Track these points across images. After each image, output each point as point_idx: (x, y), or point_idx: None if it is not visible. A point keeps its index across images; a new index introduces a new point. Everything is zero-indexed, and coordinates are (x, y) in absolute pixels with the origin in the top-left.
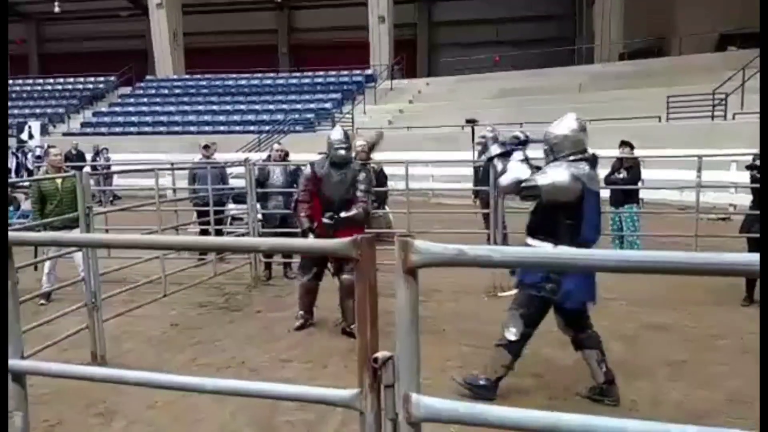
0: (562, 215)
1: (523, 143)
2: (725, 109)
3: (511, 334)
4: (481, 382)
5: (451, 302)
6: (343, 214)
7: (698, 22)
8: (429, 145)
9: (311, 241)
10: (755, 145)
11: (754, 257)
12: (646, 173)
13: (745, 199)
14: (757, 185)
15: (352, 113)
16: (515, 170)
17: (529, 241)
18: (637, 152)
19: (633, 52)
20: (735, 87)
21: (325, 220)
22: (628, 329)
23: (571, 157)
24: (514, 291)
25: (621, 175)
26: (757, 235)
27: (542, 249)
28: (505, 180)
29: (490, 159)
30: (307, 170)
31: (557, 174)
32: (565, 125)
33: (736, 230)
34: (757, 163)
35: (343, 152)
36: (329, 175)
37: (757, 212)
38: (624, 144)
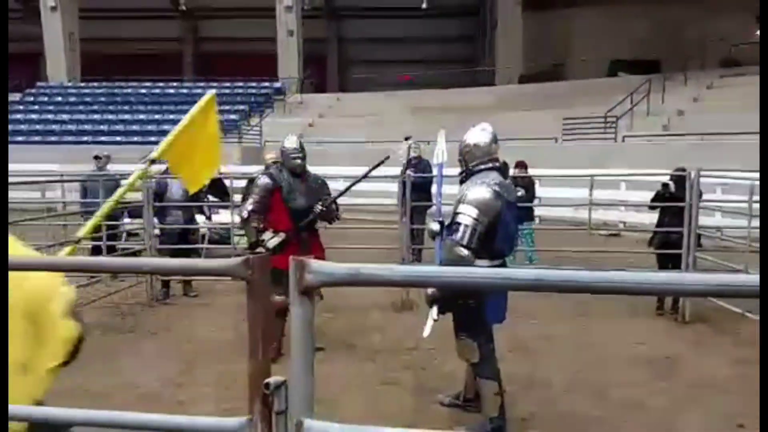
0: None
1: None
2: (616, 132)
3: (474, 357)
4: (490, 427)
5: (360, 318)
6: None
7: (592, 49)
8: (342, 160)
9: (199, 262)
10: (642, 166)
11: (670, 276)
12: (542, 192)
13: (636, 217)
14: (667, 204)
15: (260, 126)
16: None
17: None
18: (534, 171)
19: (532, 75)
20: (625, 111)
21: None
22: (521, 340)
23: (482, 166)
24: (433, 319)
25: (519, 193)
26: (668, 252)
27: (436, 267)
28: (452, 257)
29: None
30: (265, 180)
31: (478, 197)
32: (474, 135)
33: (627, 245)
34: (671, 182)
35: (299, 161)
36: (293, 186)
37: (666, 229)
38: (519, 164)
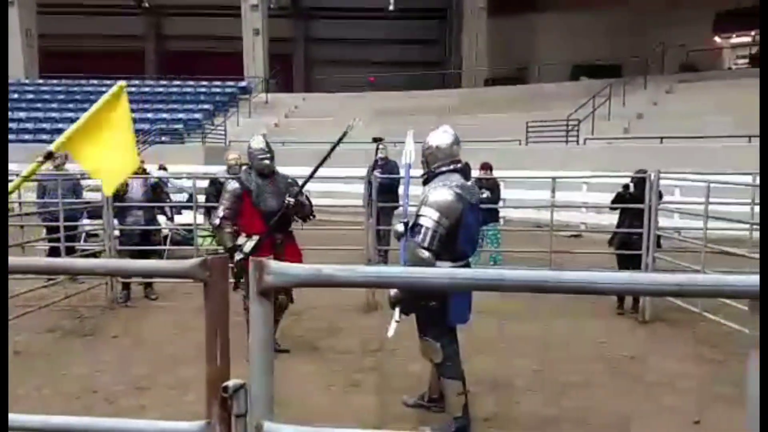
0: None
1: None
2: (578, 134)
3: (437, 357)
4: (455, 426)
5: (327, 320)
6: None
7: (554, 53)
8: (307, 160)
9: (156, 263)
10: (603, 168)
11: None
12: (507, 193)
13: (596, 218)
14: (627, 205)
15: (225, 125)
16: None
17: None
18: (499, 173)
19: (497, 79)
20: (586, 114)
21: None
22: (485, 340)
23: (443, 168)
24: (396, 320)
25: (485, 195)
26: (628, 252)
27: (397, 268)
28: (414, 258)
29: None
30: (234, 185)
31: (440, 199)
32: (436, 137)
33: (588, 246)
34: (631, 183)
35: (267, 161)
36: (261, 188)
37: (626, 230)
38: (484, 166)
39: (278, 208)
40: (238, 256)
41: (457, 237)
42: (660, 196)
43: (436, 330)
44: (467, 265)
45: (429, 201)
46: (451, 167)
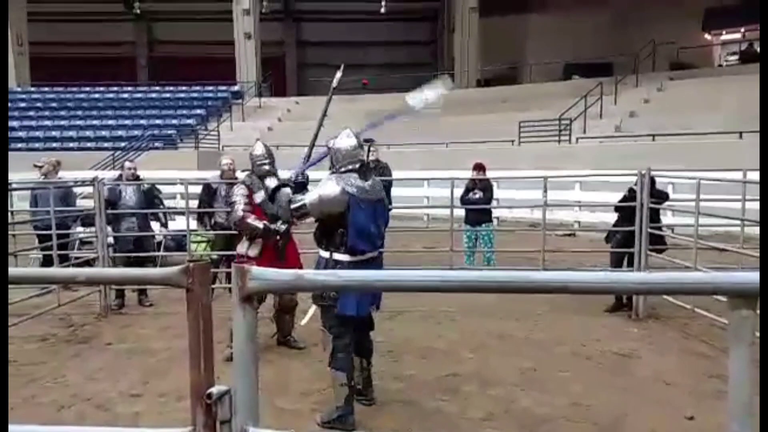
0: (334, 224)
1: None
2: (570, 134)
3: (327, 348)
4: (336, 414)
5: (319, 322)
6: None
7: (546, 53)
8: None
9: (136, 271)
10: (595, 167)
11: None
12: (500, 193)
13: (590, 217)
14: (628, 203)
15: (218, 130)
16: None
17: (320, 252)
18: (492, 173)
19: (489, 79)
20: (578, 113)
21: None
22: (478, 340)
23: (342, 169)
24: (311, 311)
25: (477, 196)
26: (623, 250)
27: (377, 272)
28: (276, 207)
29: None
30: (242, 188)
31: (325, 188)
32: (339, 140)
33: (581, 245)
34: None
35: (267, 167)
36: (261, 190)
37: (623, 228)
38: (477, 166)
39: (274, 213)
40: (282, 227)
41: (346, 232)
42: (666, 196)
43: (330, 321)
44: (374, 261)
45: (316, 189)
46: (350, 167)
